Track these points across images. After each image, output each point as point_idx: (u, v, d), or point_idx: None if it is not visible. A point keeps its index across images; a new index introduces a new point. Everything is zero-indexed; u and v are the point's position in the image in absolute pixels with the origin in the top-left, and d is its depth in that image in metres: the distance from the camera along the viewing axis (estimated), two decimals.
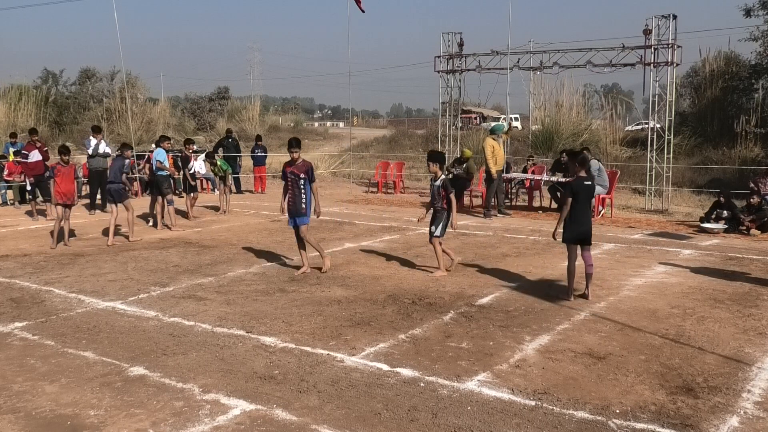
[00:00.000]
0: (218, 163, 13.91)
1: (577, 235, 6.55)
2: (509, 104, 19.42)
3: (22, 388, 4.34)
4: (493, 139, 13.33)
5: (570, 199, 6.49)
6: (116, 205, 10.03)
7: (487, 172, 13.16)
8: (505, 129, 14.32)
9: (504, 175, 13.80)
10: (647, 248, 9.55)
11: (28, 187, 13.58)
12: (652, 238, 10.53)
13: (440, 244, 7.69)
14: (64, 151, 10.10)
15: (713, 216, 11.53)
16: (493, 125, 15.71)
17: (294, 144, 7.75)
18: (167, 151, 11.90)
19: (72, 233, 10.14)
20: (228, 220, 12.65)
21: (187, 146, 13.11)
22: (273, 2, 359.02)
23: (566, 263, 6.78)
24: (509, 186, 15.66)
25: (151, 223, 11.53)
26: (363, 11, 15.52)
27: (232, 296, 6.67)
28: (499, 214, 13.16)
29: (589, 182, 6.67)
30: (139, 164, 15.85)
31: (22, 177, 14.98)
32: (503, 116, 37.06)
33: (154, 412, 3.95)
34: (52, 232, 9.60)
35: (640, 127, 30.48)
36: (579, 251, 6.64)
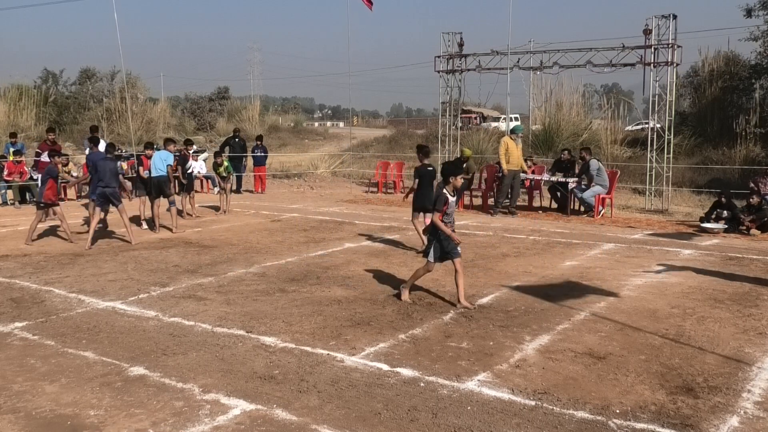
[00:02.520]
0: (225, 163, 13.95)
1: (422, 205, 8.82)
2: (509, 104, 19.44)
3: (22, 388, 4.34)
4: (511, 138, 13.48)
5: (417, 180, 8.97)
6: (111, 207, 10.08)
7: (500, 170, 13.50)
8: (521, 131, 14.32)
9: (522, 176, 13.96)
10: (647, 248, 9.55)
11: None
12: (652, 238, 10.53)
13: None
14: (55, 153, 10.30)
15: (713, 216, 11.53)
16: (513, 125, 15.87)
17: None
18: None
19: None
20: (228, 220, 12.65)
21: (187, 146, 13.49)
22: (273, 2, 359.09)
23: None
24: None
25: (145, 226, 11.50)
26: (371, 9, 15.53)
27: (232, 296, 6.67)
28: (509, 214, 13.28)
29: (431, 168, 9.06)
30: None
31: (21, 177, 14.99)
32: (503, 116, 37.10)
33: (154, 412, 3.95)
34: (64, 231, 9.87)
35: (640, 127, 30.46)
36: (424, 218, 8.66)
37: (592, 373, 4.57)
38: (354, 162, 24.93)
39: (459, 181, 6.39)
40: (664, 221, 12.77)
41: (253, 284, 7.21)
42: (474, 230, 11.28)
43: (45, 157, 13.35)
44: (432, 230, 6.39)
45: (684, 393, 4.23)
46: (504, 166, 13.26)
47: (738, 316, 5.99)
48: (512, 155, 13.29)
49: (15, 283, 7.28)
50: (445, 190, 6.28)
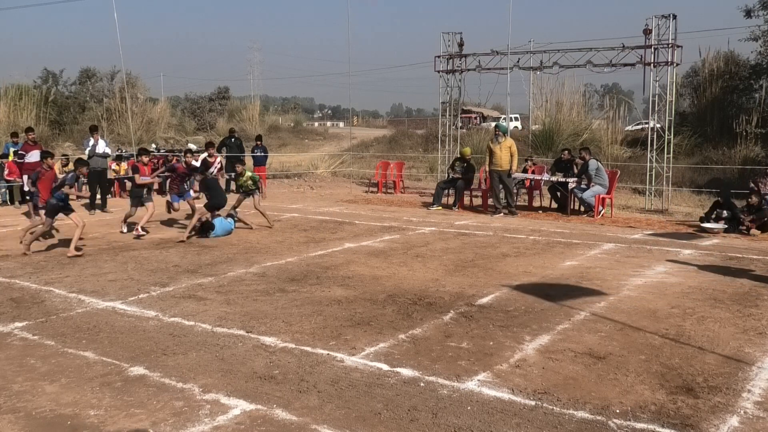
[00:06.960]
0: (248, 173, 13.92)
1: (219, 203, 11.08)
2: (509, 104, 19.46)
3: (22, 388, 4.34)
4: (490, 140, 13.71)
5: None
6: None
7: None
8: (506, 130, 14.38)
9: (522, 176, 14.12)
10: (647, 248, 9.55)
11: (26, 188, 13.54)
12: (652, 238, 10.53)
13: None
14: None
15: (713, 216, 11.54)
16: (493, 124, 16.11)
17: None
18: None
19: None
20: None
21: (194, 154, 14.19)
22: (273, 2, 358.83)
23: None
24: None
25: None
26: None
27: (232, 296, 6.67)
28: (509, 214, 13.35)
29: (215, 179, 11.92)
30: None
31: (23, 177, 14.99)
32: (503, 116, 37.09)
33: (154, 412, 3.95)
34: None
35: (640, 127, 30.46)
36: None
37: (592, 373, 4.57)
38: (354, 162, 24.95)
39: None
40: (664, 221, 12.77)
41: (253, 284, 7.21)
42: (474, 230, 11.28)
43: (30, 158, 13.31)
44: None
45: (684, 393, 4.23)
46: (485, 166, 13.74)
47: (738, 316, 5.99)
48: (495, 156, 13.34)
49: (15, 283, 7.28)
50: None
